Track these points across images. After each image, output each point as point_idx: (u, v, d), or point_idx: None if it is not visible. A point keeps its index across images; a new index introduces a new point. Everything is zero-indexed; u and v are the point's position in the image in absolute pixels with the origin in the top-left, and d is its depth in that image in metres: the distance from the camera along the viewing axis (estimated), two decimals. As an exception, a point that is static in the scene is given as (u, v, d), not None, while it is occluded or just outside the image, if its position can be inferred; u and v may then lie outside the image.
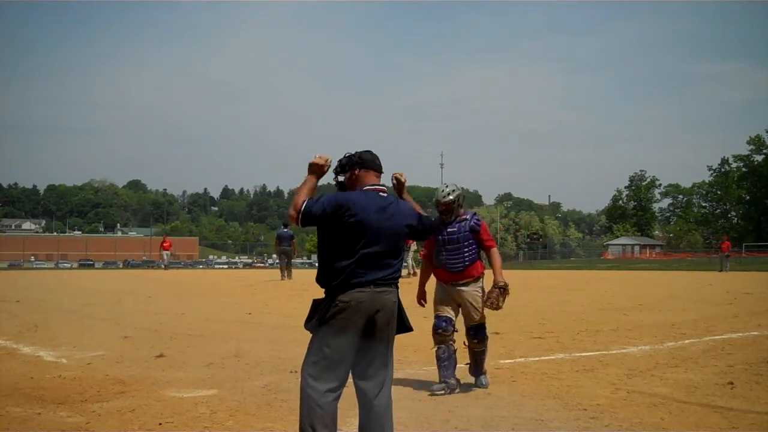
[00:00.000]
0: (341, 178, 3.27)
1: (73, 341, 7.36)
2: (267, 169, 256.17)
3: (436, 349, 4.96)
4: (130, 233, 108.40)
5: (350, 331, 2.96)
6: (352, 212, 2.98)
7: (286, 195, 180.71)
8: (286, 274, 17.72)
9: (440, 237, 4.95)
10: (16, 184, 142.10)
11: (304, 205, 2.99)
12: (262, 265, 63.96)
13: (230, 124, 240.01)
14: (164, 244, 28.15)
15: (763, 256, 45.74)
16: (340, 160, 3.27)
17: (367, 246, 3.00)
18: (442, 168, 76.25)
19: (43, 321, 9.29)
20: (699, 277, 22.85)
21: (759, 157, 68.75)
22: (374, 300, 3.02)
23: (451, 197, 4.94)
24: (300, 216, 2.98)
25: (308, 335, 3.04)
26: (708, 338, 7.38)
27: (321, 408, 2.91)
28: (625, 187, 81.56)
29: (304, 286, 15.92)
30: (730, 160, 73.66)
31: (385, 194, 3.20)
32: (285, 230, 18.94)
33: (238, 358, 6.31)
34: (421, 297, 5.14)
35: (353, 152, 3.25)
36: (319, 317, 2.97)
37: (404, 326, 3.21)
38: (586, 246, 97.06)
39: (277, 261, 20.36)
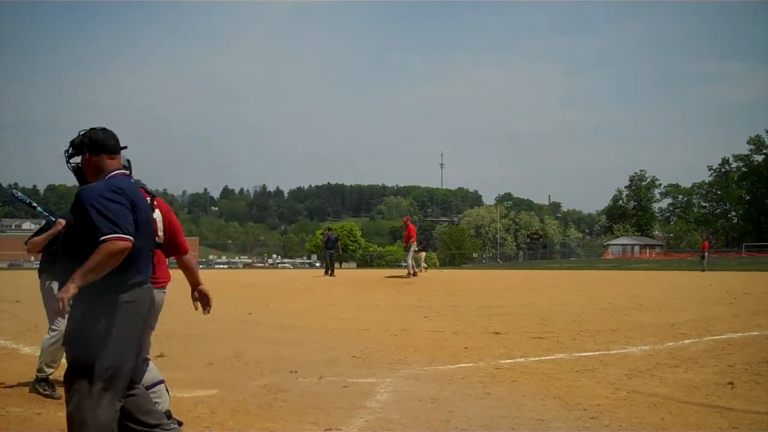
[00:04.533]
0: (76, 161, 2.97)
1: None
2: (267, 169, 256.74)
3: None
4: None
5: (136, 333, 2.78)
6: (137, 207, 2.75)
7: (286, 195, 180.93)
8: (330, 272, 20.34)
9: None
10: (16, 184, 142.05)
11: (122, 229, 2.60)
12: (262, 265, 63.91)
13: (230, 124, 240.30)
14: None
15: (763, 256, 45.72)
16: (73, 141, 2.93)
17: (144, 241, 2.80)
18: (442, 168, 76.56)
19: (43, 321, 9.25)
20: (699, 277, 22.83)
21: (759, 157, 68.71)
22: (150, 297, 2.91)
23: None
24: (131, 238, 2.63)
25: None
26: (708, 338, 7.38)
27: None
28: (625, 187, 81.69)
29: (304, 286, 15.94)
30: (730, 160, 73.76)
31: (132, 179, 2.99)
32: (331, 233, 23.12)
33: (238, 358, 6.30)
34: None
35: (85, 131, 2.93)
36: (106, 323, 2.64)
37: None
38: (586, 246, 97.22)
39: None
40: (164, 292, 3.63)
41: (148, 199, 3.36)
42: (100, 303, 2.66)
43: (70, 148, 2.94)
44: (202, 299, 3.61)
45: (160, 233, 3.43)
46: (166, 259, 3.73)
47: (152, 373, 3.44)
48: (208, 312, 3.61)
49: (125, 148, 3.07)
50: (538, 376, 5.43)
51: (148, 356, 3.56)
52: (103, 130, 2.92)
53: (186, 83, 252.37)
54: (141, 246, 2.76)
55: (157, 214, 3.44)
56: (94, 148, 2.85)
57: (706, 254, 29.43)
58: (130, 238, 2.59)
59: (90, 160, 2.87)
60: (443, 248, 72.62)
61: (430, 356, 6.41)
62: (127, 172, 2.96)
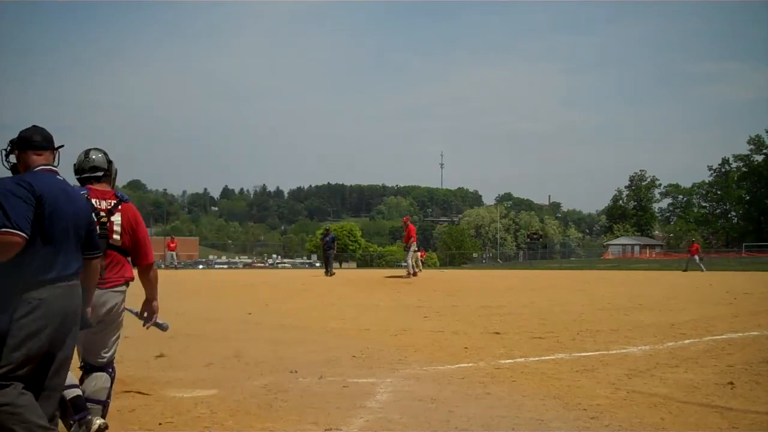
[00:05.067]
0: (13, 160, 2.99)
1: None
2: (267, 169, 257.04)
3: None
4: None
5: (50, 331, 2.69)
6: (44, 202, 2.70)
7: (286, 195, 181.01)
8: (329, 272, 20.76)
9: None
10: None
11: (12, 223, 2.56)
12: (262, 265, 63.96)
13: (230, 124, 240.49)
14: (170, 245, 28.57)
15: (763, 256, 45.69)
16: (12, 140, 2.98)
17: (61, 237, 2.76)
18: (442, 168, 76.64)
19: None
20: (698, 277, 22.83)
21: (759, 157, 68.65)
22: (72, 296, 2.81)
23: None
24: (22, 234, 2.59)
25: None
26: (708, 338, 7.38)
27: None
28: (625, 187, 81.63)
29: (304, 286, 15.94)
30: (731, 160, 73.71)
31: (60, 176, 2.96)
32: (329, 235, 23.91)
33: (238, 358, 6.30)
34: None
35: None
36: (16, 317, 2.63)
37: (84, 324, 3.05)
38: (586, 246, 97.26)
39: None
40: (114, 293, 3.53)
41: (113, 202, 3.48)
42: (8, 298, 2.66)
43: (8, 147, 3.00)
44: (148, 313, 3.86)
45: (116, 236, 3.49)
46: (128, 262, 3.70)
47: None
48: (148, 327, 3.92)
49: (61, 147, 3.08)
50: (538, 376, 5.43)
51: (103, 361, 3.54)
52: (33, 127, 2.97)
53: (186, 83, 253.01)
54: (56, 242, 2.74)
55: (116, 218, 3.48)
56: (21, 144, 2.93)
57: (697, 257, 28.59)
58: (19, 233, 2.57)
59: (19, 156, 2.94)
60: (443, 248, 72.65)
61: (430, 356, 6.41)
62: (54, 169, 2.95)
